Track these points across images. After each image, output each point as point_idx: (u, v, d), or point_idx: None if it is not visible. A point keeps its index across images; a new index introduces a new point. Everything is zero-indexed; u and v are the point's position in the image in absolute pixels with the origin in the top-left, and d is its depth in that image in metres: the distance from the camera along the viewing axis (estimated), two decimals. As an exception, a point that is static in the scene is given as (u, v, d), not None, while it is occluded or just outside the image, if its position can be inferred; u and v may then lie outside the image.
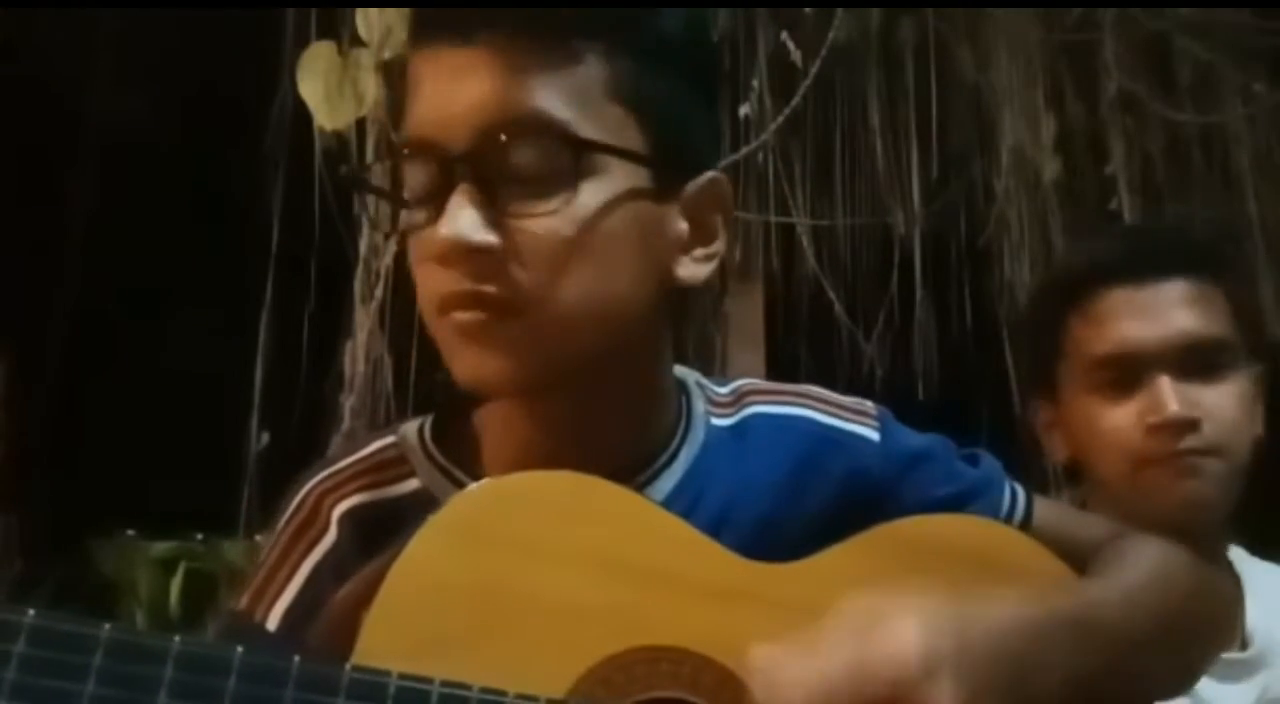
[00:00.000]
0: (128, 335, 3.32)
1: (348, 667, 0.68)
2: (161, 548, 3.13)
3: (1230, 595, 0.97)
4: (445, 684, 0.68)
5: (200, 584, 3.01)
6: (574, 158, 0.78)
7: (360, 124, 2.48)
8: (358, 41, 2.44)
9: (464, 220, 0.76)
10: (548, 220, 0.78)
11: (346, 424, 2.43)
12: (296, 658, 0.66)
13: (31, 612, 0.61)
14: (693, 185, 0.84)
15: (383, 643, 0.72)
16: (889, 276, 2.82)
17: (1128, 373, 1.26)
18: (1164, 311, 1.26)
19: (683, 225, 0.84)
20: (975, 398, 2.78)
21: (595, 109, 0.79)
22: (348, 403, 2.45)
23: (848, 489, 0.89)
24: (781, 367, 2.60)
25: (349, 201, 2.50)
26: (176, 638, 0.64)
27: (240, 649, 0.65)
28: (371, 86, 2.44)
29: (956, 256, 2.90)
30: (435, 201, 0.78)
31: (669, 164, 0.83)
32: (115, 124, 3.26)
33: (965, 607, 0.75)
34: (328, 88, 2.44)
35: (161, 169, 3.29)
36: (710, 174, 0.85)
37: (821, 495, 0.88)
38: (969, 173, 2.87)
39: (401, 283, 2.48)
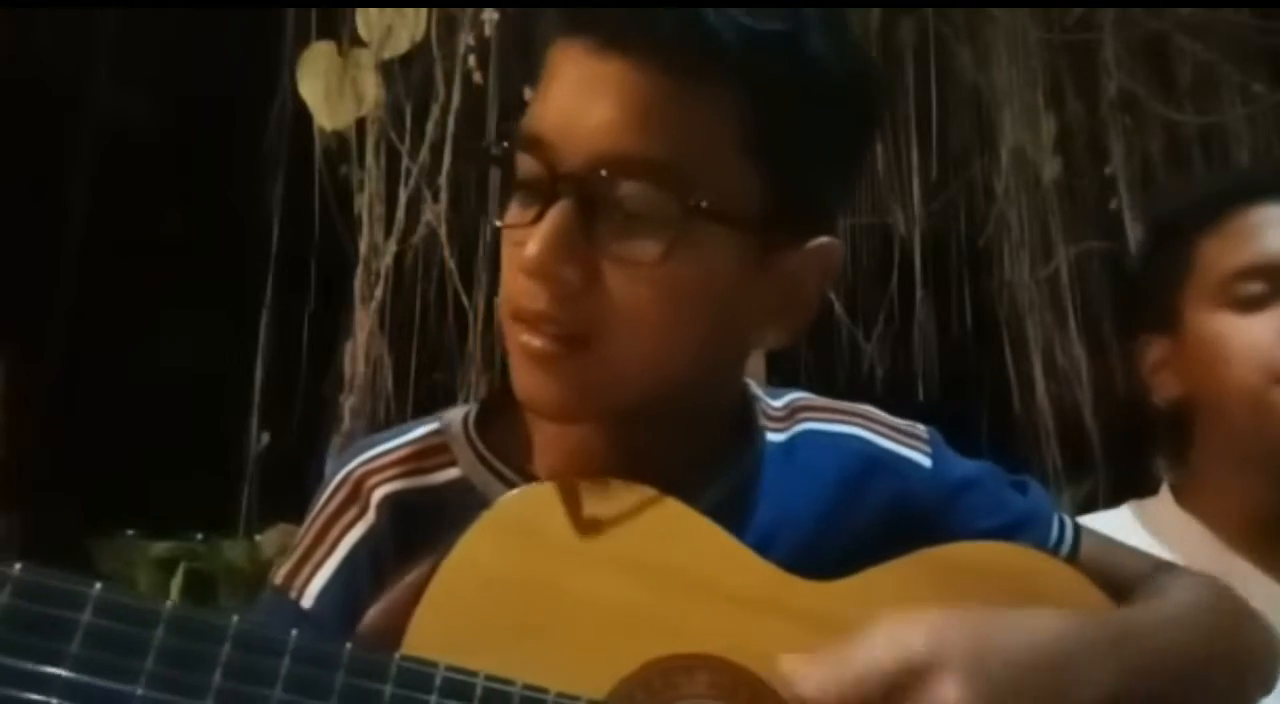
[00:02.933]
0: (128, 335, 3.32)
1: (397, 655, 0.69)
2: (161, 548, 3.13)
3: (1272, 636, 0.95)
4: (490, 678, 0.70)
5: (200, 584, 3.01)
6: (678, 215, 0.74)
7: (360, 124, 2.48)
8: (358, 41, 2.44)
9: (553, 244, 0.74)
10: (639, 268, 0.75)
11: (346, 424, 2.43)
12: (348, 644, 0.68)
13: (99, 584, 0.63)
14: (807, 247, 0.81)
15: (430, 635, 0.73)
16: (889, 276, 2.83)
17: (1267, 286, 1.22)
18: None
19: (778, 291, 0.81)
20: (975, 398, 2.79)
21: (720, 163, 0.75)
22: (348, 403, 2.45)
23: (896, 513, 0.88)
24: (781, 367, 2.59)
25: (349, 201, 2.50)
26: (234, 617, 0.66)
27: (295, 632, 0.67)
28: (371, 86, 2.45)
29: (956, 256, 2.91)
30: (538, 202, 0.76)
31: (788, 225, 0.79)
32: (115, 124, 3.26)
33: (992, 615, 0.76)
34: (328, 88, 2.44)
35: (161, 169, 3.28)
36: (823, 240, 0.81)
37: (869, 517, 0.87)
38: (969, 173, 2.87)
39: (401, 283, 2.48)
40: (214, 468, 2.64)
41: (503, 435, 0.87)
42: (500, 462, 0.86)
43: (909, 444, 0.91)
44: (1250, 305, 1.22)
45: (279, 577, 0.85)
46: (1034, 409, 2.72)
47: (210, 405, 2.82)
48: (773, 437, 0.90)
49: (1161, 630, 0.83)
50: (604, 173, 0.74)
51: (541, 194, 0.76)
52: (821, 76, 0.78)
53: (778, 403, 0.92)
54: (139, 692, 0.62)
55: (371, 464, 0.86)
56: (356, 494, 0.85)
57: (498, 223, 0.80)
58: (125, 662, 0.63)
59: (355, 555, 0.83)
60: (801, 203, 0.79)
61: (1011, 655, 0.74)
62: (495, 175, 0.84)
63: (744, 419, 0.89)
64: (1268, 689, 0.91)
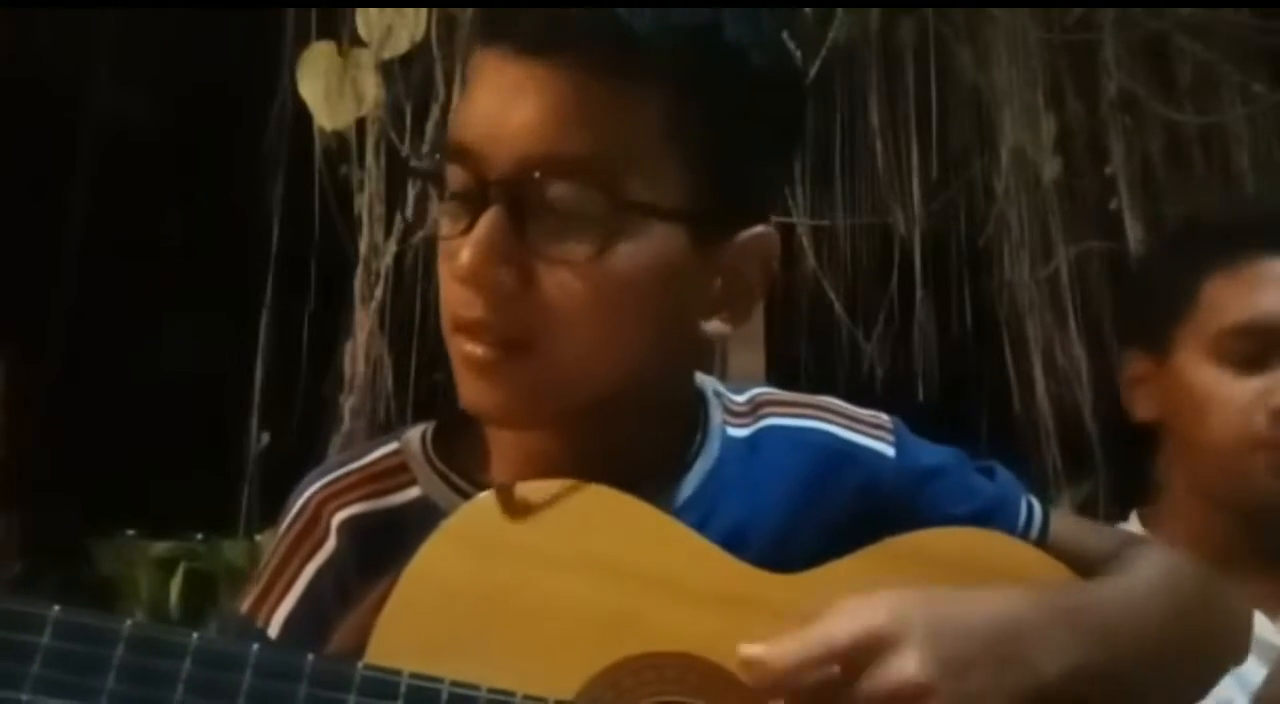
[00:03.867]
0: (128, 335, 3.32)
1: (360, 664, 0.69)
2: (161, 548, 3.13)
3: (1241, 613, 0.96)
4: (455, 684, 0.70)
5: (200, 584, 3.01)
6: (611, 212, 0.75)
7: (360, 124, 2.48)
8: (358, 41, 2.44)
9: (485, 249, 0.75)
10: (574, 268, 0.76)
11: (346, 424, 2.43)
12: (310, 655, 0.68)
13: (56, 607, 0.63)
14: (742, 237, 0.82)
15: (393, 644, 0.73)
16: (889, 276, 2.82)
17: (1262, 347, 1.21)
18: None
19: (718, 282, 0.81)
20: (975, 398, 2.78)
21: (649, 160, 0.76)
22: (348, 403, 2.45)
23: (863, 505, 0.88)
24: (781, 367, 2.60)
25: (349, 201, 2.50)
26: (195, 634, 0.66)
27: (256, 645, 0.67)
28: (371, 86, 2.44)
29: (956, 256, 2.90)
30: (469, 212, 0.77)
31: (720, 217, 0.80)
32: (115, 124, 3.25)
33: (951, 592, 0.77)
34: (328, 88, 2.44)
35: (161, 169, 3.28)
36: (759, 229, 0.82)
37: (835, 510, 0.88)
38: (969, 173, 2.86)
39: (401, 283, 2.48)
40: (214, 468, 2.64)
41: (461, 451, 0.87)
42: (460, 478, 0.85)
43: (872, 434, 0.91)
44: (1240, 364, 1.22)
45: (245, 606, 0.85)
46: (1034, 409, 2.71)
47: (210, 405, 2.82)
48: (735, 432, 0.89)
49: (1120, 605, 0.83)
50: (537, 175, 0.74)
51: (472, 203, 0.76)
52: (740, 66, 0.78)
53: (740, 398, 0.92)
54: (101, 712, 0.62)
55: (329, 488, 0.86)
56: (316, 520, 0.85)
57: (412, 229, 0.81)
58: (87, 682, 0.63)
59: (319, 582, 0.83)
60: (732, 194, 0.80)
61: (970, 628, 0.75)
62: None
63: (703, 415, 0.89)
64: (1237, 661, 0.92)
